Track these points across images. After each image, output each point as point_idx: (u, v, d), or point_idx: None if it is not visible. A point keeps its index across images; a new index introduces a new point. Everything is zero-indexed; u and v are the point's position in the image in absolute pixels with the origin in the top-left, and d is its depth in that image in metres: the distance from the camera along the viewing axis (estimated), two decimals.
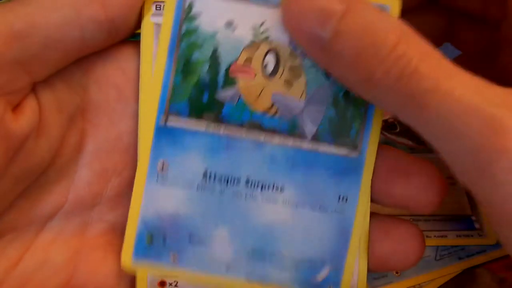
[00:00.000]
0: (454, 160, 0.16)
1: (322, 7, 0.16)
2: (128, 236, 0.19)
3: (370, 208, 0.20)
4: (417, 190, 0.19)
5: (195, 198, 0.19)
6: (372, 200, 0.20)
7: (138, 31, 0.19)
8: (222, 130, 0.19)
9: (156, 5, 0.19)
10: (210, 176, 0.19)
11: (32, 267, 0.18)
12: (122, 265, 0.19)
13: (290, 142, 0.19)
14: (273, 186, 0.19)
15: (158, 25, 0.19)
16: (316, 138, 0.19)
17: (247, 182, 0.19)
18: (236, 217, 0.19)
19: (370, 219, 0.20)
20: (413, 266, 0.20)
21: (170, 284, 0.20)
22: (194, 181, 0.19)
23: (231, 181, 0.19)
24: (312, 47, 0.17)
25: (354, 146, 0.19)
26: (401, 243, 0.20)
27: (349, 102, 0.19)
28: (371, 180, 0.19)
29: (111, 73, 0.19)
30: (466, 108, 0.15)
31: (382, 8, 0.18)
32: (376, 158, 0.19)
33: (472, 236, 0.30)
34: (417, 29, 0.16)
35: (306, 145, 0.19)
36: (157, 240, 0.19)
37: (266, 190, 0.19)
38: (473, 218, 0.31)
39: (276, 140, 0.19)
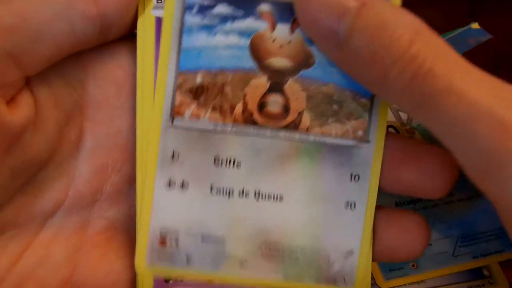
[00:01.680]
0: (466, 161, 0.16)
1: (337, 3, 0.16)
2: (141, 239, 0.19)
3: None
4: (425, 175, 0.19)
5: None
6: (379, 187, 0.19)
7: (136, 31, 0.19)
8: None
9: None
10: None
11: (32, 264, 0.18)
12: (136, 269, 0.19)
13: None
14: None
15: (159, 19, 0.18)
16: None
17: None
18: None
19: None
20: (419, 256, 0.20)
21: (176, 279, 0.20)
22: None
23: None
24: (327, 44, 0.17)
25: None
26: (406, 233, 0.20)
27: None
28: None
29: (109, 68, 0.19)
30: (479, 110, 0.15)
31: None
32: (384, 144, 0.19)
33: (483, 285, 0.30)
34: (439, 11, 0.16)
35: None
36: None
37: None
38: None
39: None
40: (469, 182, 0.16)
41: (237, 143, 0.19)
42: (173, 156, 0.19)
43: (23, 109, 0.17)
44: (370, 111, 0.19)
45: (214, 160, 0.19)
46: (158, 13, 0.18)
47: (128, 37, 0.19)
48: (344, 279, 0.19)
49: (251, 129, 0.19)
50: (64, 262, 0.19)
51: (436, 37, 0.16)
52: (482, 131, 0.15)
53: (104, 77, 0.19)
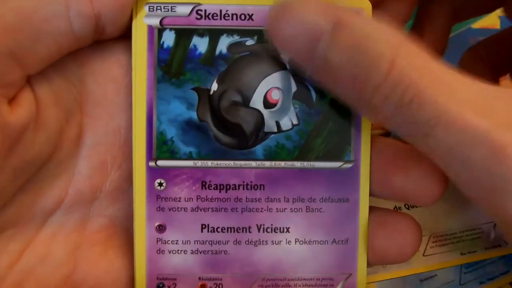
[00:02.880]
0: (462, 186, 0.16)
1: (311, 25, 0.15)
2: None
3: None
4: (417, 181, 0.19)
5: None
6: (371, 194, 0.19)
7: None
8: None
9: (149, 6, 0.19)
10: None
11: (33, 262, 0.19)
12: None
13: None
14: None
15: (151, 27, 0.19)
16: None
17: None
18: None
19: None
20: (410, 258, 0.20)
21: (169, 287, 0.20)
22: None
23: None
24: (306, 66, 0.16)
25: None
26: (397, 235, 0.20)
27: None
28: (370, 172, 0.19)
29: (108, 66, 0.19)
30: (469, 136, 0.14)
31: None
32: (374, 150, 0.19)
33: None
34: None
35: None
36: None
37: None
38: None
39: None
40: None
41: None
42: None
43: (24, 108, 0.17)
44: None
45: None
46: (150, 21, 0.19)
47: (126, 35, 0.19)
48: None
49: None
50: (64, 260, 0.19)
51: (418, 51, 0.15)
52: (475, 158, 0.15)
53: (103, 74, 0.19)
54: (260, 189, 0.19)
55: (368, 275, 0.24)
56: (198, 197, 0.19)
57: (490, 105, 0.15)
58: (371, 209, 0.20)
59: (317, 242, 0.20)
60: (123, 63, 0.19)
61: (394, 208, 0.29)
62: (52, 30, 0.17)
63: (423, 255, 0.28)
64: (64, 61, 0.18)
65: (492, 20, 0.32)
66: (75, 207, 0.19)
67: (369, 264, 0.20)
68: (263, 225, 0.19)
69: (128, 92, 0.19)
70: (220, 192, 0.19)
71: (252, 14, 0.19)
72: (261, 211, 0.19)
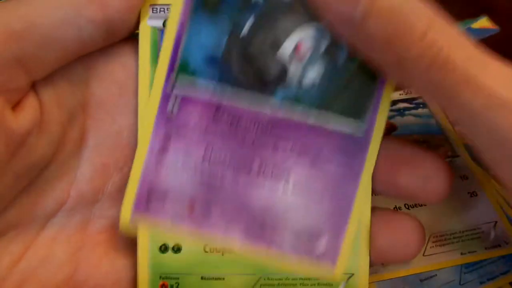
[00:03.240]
0: (485, 150, 0.16)
1: None
2: (128, 194, 0.19)
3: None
4: (422, 179, 0.19)
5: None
6: (376, 192, 0.19)
7: (137, 31, 0.19)
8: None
9: (153, 8, 0.19)
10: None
11: (34, 264, 0.19)
12: (120, 225, 0.19)
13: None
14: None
15: (154, 29, 0.19)
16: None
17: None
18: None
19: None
20: (413, 258, 0.20)
21: (172, 248, 0.20)
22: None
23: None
24: (342, 29, 0.17)
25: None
26: (401, 235, 0.20)
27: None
28: (375, 170, 0.19)
29: (112, 68, 0.19)
30: (497, 101, 0.15)
31: None
32: (380, 148, 0.19)
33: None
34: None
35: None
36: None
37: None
38: None
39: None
40: None
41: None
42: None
43: (28, 112, 0.17)
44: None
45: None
46: (154, 23, 0.19)
47: (130, 37, 0.19)
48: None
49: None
50: (66, 261, 0.19)
51: (451, 26, 0.16)
52: (501, 121, 0.15)
53: (107, 76, 0.19)
54: (270, 134, 0.19)
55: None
56: (208, 126, 0.19)
57: None
58: (374, 209, 0.20)
59: (312, 200, 0.19)
60: (126, 65, 0.19)
61: (394, 208, 0.29)
62: (60, 36, 0.17)
63: (423, 255, 0.28)
64: (69, 64, 0.18)
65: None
66: (76, 208, 0.19)
67: (371, 264, 0.20)
68: (264, 167, 0.19)
69: (131, 94, 0.19)
70: (230, 126, 0.19)
71: None
72: (265, 153, 0.19)
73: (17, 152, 0.17)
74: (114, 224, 0.20)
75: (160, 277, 0.20)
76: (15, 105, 0.17)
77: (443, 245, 0.28)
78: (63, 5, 0.17)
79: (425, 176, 0.19)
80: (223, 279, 0.20)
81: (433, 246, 0.28)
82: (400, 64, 0.16)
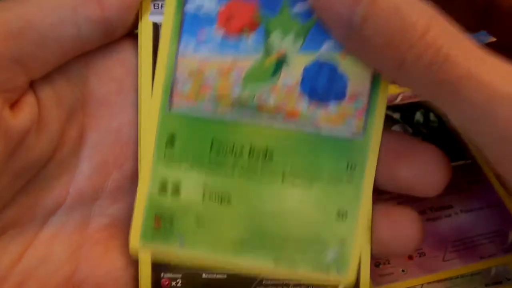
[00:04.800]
0: (486, 144, 0.16)
1: None
2: (136, 219, 0.19)
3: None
4: (422, 172, 0.19)
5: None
6: (375, 185, 0.19)
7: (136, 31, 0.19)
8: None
9: (154, 4, 0.19)
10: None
11: (34, 263, 0.18)
12: (130, 250, 0.19)
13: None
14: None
15: (156, 24, 0.19)
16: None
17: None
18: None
19: None
20: (412, 251, 0.20)
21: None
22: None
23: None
24: (342, 31, 0.17)
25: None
26: (401, 227, 0.20)
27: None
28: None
29: (110, 65, 0.19)
30: (498, 94, 0.15)
31: None
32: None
33: None
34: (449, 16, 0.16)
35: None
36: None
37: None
38: None
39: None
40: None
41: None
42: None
43: (26, 111, 0.17)
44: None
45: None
46: (155, 18, 0.19)
47: (128, 34, 0.19)
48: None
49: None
50: (66, 260, 0.19)
51: (451, 25, 0.16)
52: (502, 114, 0.15)
53: (105, 73, 0.19)
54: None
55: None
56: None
57: None
58: (374, 202, 0.20)
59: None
60: (125, 62, 0.19)
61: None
62: (58, 35, 0.17)
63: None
64: (67, 62, 0.18)
65: None
66: (76, 207, 0.19)
67: (372, 257, 0.20)
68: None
69: (130, 91, 0.19)
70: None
71: None
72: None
73: (16, 151, 0.17)
74: (114, 222, 0.20)
75: (162, 275, 0.20)
76: (14, 104, 0.17)
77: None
78: (60, 4, 0.17)
79: (424, 168, 0.19)
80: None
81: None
82: (399, 65, 0.16)
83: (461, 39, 0.16)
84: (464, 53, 0.16)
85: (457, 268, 0.27)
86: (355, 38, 0.17)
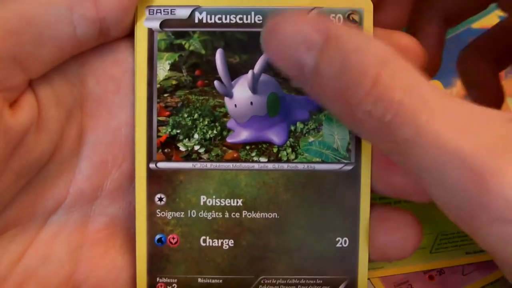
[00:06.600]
0: (442, 205, 0.15)
1: (303, 37, 0.15)
2: (140, 257, 0.19)
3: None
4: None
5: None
6: (372, 191, 0.19)
7: None
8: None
9: (149, 10, 0.19)
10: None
11: (35, 263, 0.19)
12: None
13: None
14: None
15: (151, 30, 0.19)
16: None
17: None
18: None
19: None
20: (411, 255, 0.19)
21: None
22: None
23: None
24: (296, 77, 0.16)
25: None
26: (398, 231, 0.19)
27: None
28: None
29: (108, 65, 0.19)
30: (449, 156, 0.14)
31: (356, 13, 0.18)
32: (374, 148, 0.19)
33: None
34: None
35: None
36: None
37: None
38: None
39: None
40: None
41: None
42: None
43: (26, 110, 0.17)
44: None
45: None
46: (150, 24, 0.19)
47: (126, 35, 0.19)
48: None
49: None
50: (66, 260, 0.19)
51: (404, 67, 0.15)
52: (454, 179, 0.14)
53: (103, 73, 0.19)
54: None
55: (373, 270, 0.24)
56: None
57: (474, 127, 0.14)
58: (371, 205, 0.19)
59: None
60: (122, 62, 0.19)
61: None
62: (55, 34, 0.17)
63: (430, 252, 0.28)
64: (65, 61, 0.18)
65: (492, 20, 0.32)
66: (76, 206, 0.19)
67: (370, 261, 0.20)
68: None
69: (128, 91, 0.19)
70: None
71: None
72: None
73: (16, 150, 0.17)
74: (114, 222, 0.20)
75: (158, 277, 0.20)
76: (13, 103, 0.17)
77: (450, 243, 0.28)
78: (57, 3, 0.17)
79: None
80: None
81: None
82: (351, 117, 0.15)
83: (413, 86, 0.15)
84: (414, 106, 0.14)
85: (477, 281, 0.28)
86: (309, 84, 0.16)
